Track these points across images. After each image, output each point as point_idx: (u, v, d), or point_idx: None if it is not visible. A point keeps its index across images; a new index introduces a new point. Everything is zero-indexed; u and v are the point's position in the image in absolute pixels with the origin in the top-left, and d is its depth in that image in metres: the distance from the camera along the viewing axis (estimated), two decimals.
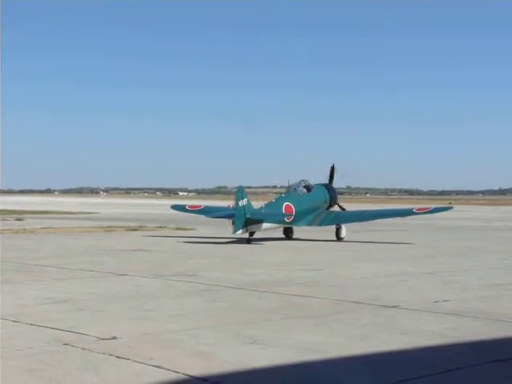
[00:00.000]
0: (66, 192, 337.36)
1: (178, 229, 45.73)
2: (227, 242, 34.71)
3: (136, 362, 9.77)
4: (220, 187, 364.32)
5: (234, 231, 33.17)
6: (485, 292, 17.22)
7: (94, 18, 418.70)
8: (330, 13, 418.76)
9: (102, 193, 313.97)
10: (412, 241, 36.43)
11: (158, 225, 49.50)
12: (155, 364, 9.64)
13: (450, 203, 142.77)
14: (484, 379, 9.28)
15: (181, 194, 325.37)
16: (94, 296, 16.01)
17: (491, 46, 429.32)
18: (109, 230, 44.10)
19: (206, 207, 43.75)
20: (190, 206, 44.35)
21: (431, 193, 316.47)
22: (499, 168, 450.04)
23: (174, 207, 45.56)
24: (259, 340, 11.26)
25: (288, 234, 37.91)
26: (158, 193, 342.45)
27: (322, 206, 38.36)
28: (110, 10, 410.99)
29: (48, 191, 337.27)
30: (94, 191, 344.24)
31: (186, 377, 9.11)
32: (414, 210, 39.85)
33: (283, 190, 39.59)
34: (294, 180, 39.06)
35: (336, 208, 39.74)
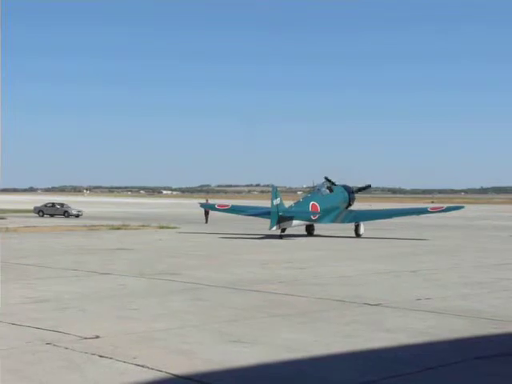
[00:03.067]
0: (49, 190, 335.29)
1: (161, 227, 45.70)
2: (222, 238, 34.75)
3: (119, 361, 9.73)
4: (203, 186, 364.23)
5: (270, 227, 36.58)
6: (466, 290, 17.33)
7: (88, 17, 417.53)
8: (327, 10, 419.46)
9: (85, 191, 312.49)
10: (397, 238, 36.76)
11: (142, 223, 49.42)
12: (138, 363, 9.61)
13: (432, 201, 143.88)
14: (465, 376, 9.33)
15: (164, 192, 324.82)
16: (77, 295, 15.94)
17: (486, 45, 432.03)
18: (92, 228, 43.96)
19: (233, 206, 47.55)
20: (218, 205, 47.80)
21: (414, 191, 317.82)
22: (481, 167, 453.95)
23: (203, 206, 48.97)
24: (243, 338, 11.26)
25: (310, 231, 41.35)
26: (141, 191, 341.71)
27: (342, 205, 42.25)
28: (106, 9, 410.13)
29: (31, 190, 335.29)
30: (77, 190, 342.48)
31: (170, 376, 9.08)
32: (429, 209, 43.51)
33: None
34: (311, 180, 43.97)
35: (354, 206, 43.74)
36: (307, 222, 39.99)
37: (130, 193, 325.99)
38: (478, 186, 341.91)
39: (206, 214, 54.65)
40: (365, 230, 40.01)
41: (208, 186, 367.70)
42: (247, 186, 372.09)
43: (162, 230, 43.95)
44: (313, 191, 41.94)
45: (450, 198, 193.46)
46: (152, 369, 9.33)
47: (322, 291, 16.83)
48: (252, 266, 22.65)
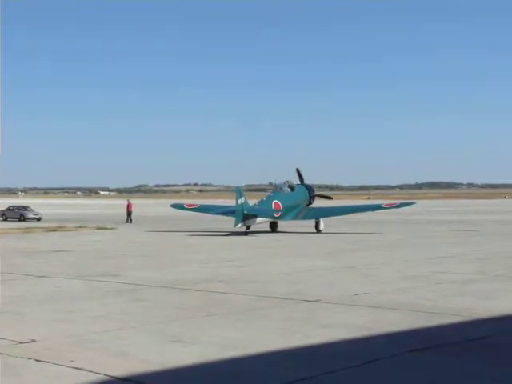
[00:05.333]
0: None
1: (98, 228, 45.13)
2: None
3: (56, 364, 9.59)
4: (141, 186, 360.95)
5: (235, 225, 38.24)
6: (403, 284, 17.71)
7: (88, 18, 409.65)
8: (327, 9, 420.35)
9: (19, 193, 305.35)
10: (348, 233, 37.30)
11: (79, 225, 48.69)
12: (76, 366, 9.49)
13: (368, 198, 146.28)
14: (402, 369, 9.54)
15: (102, 193, 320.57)
16: (13, 299, 15.59)
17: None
18: (28, 231, 43.02)
19: (201, 205, 49.59)
20: (187, 205, 49.90)
21: (351, 188, 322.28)
22: (415, 163, 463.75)
23: (174, 206, 50.66)
24: (183, 338, 11.24)
25: (273, 228, 42.96)
26: (78, 192, 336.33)
27: (303, 203, 44.32)
28: (105, 10, 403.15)
29: None
30: (11, 191, 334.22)
31: (109, 378, 9.00)
32: (383, 206, 46.46)
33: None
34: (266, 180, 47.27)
35: (316, 203, 45.73)
36: (271, 220, 41.69)
37: (66, 194, 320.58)
38: (412, 182, 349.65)
39: (129, 214, 55.22)
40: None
41: (146, 185, 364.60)
42: (185, 185, 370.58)
43: (99, 230, 43.41)
44: (275, 190, 43.72)
45: (386, 194, 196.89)
46: (90, 371, 9.24)
47: (262, 289, 16.92)
48: (191, 266, 22.60)
